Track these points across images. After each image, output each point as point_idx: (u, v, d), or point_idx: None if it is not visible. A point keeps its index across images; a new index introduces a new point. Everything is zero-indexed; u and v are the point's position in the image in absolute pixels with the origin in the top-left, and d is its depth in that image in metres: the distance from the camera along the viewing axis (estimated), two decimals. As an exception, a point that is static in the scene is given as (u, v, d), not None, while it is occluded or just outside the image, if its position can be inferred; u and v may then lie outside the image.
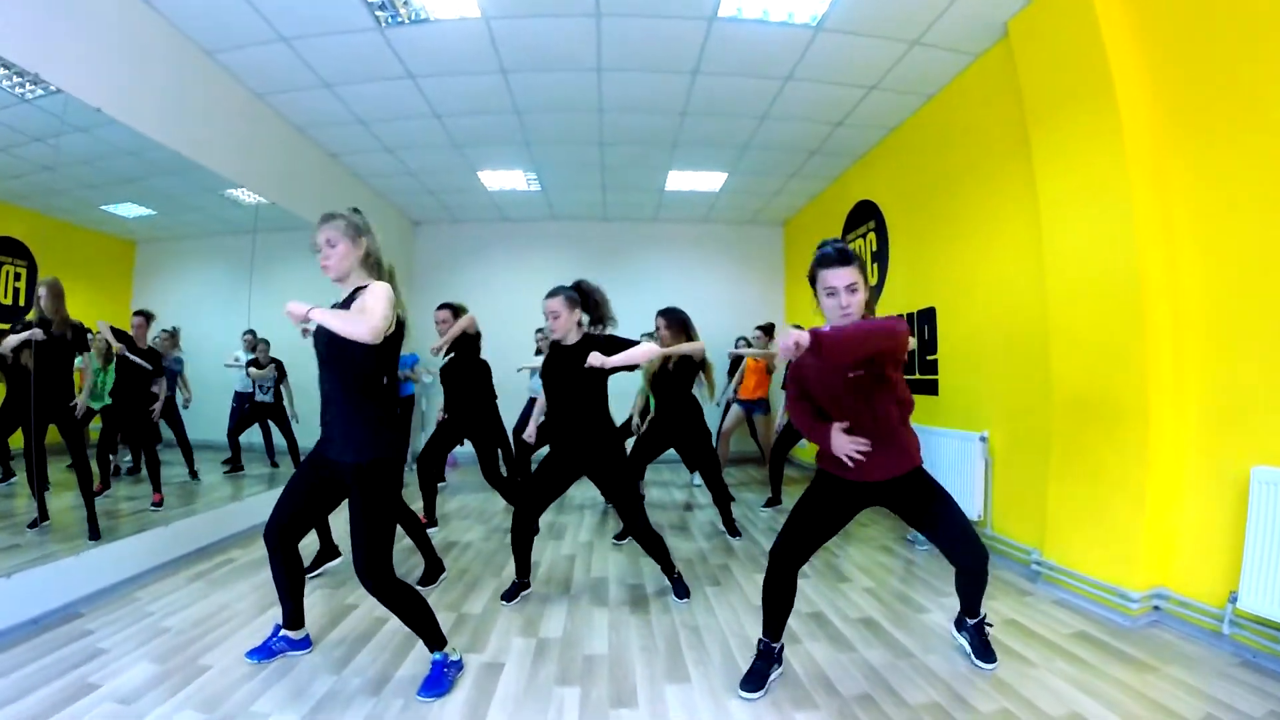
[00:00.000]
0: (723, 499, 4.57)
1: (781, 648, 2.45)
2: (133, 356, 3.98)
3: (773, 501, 5.42)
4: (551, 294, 3.15)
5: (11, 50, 2.85)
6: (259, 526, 4.52)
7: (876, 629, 2.90)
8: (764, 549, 4.17)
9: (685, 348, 4.00)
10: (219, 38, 3.99)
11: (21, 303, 3.42)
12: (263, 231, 4.88)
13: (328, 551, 3.67)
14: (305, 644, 2.60)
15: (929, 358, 4.81)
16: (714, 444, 4.98)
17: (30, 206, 3.54)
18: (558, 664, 2.56)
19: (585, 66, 4.31)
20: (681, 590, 3.31)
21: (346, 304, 2.28)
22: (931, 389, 4.77)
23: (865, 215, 5.91)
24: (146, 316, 4.06)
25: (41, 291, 3.31)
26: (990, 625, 2.65)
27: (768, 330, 6.23)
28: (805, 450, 7.08)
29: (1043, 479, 3.56)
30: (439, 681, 2.31)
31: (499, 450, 4.76)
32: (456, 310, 4.45)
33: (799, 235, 8.01)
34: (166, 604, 3.09)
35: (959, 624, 2.68)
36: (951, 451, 4.23)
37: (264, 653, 2.50)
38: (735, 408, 6.16)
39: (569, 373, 3.11)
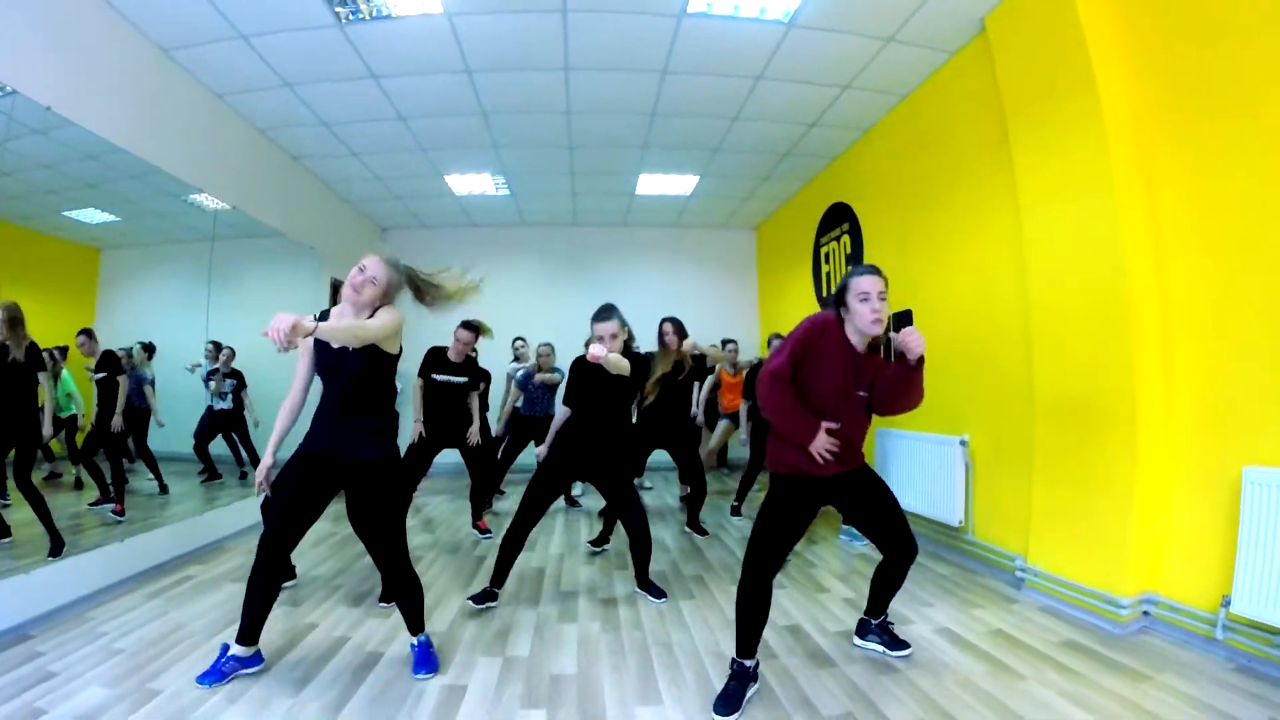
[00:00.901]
0: (699, 495, 4.70)
1: (757, 664, 2.35)
2: (90, 371, 3.95)
3: (736, 510, 5.39)
4: (608, 317, 3.17)
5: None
6: (220, 541, 4.42)
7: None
8: (739, 559, 4.04)
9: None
10: (176, 34, 3.82)
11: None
12: (227, 239, 4.72)
13: (287, 572, 3.52)
14: (257, 660, 2.50)
15: (906, 361, 4.72)
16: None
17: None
18: (524, 684, 2.41)
19: (552, 66, 4.19)
20: (657, 591, 3.38)
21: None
22: (909, 392, 4.69)
23: (839, 218, 5.85)
24: (89, 335, 3.96)
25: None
26: (892, 623, 2.74)
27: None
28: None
29: (1026, 483, 3.49)
30: (431, 658, 2.56)
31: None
32: (480, 329, 4.44)
33: (771, 239, 7.95)
34: (121, 624, 2.94)
35: (863, 630, 2.73)
36: (931, 456, 4.16)
37: (214, 676, 2.39)
38: (723, 421, 6.13)
39: (603, 386, 3.28)
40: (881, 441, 4.71)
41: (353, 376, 2.43)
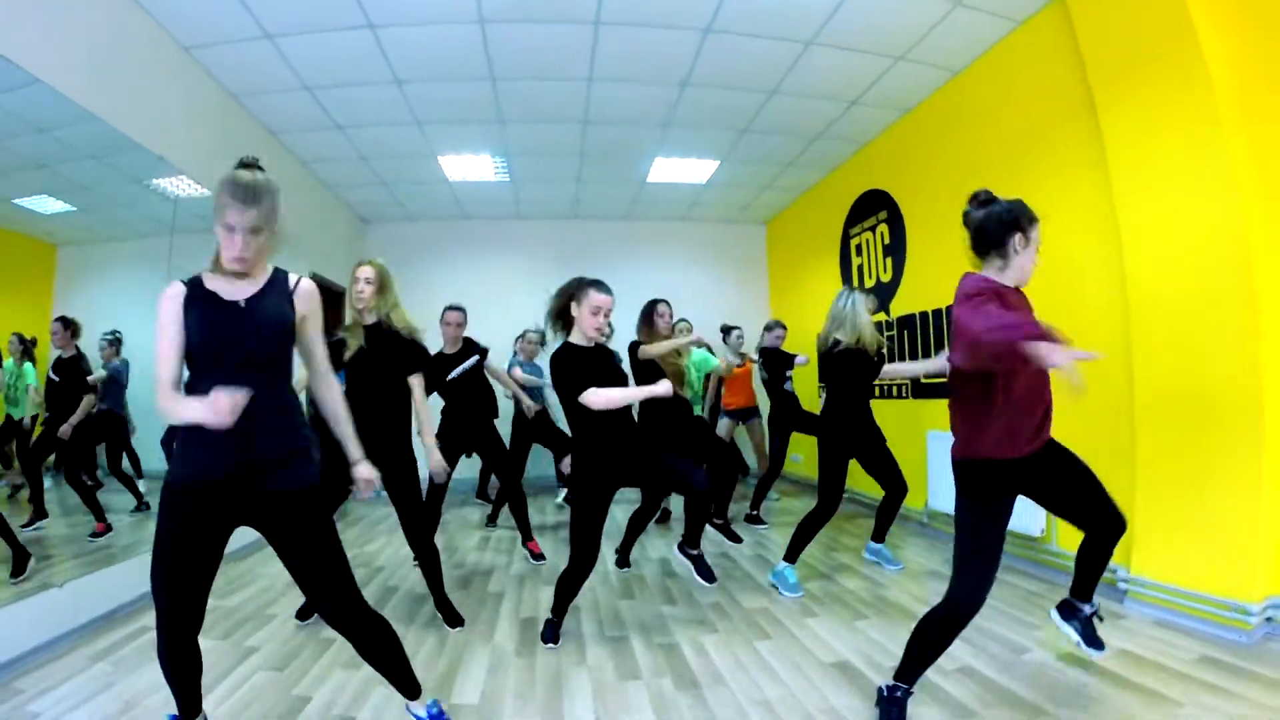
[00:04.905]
0: (729, 487, 4.33)
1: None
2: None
3: (754, 518, 5.10)
4: (609, 289, 2.81)
5: None
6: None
7: (985, 683, 2.32)
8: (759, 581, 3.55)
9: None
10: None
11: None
12: (191, 231, 4.09)
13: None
14: None
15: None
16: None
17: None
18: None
19: (581, 17, 3.66)
20: (704, 570, 3.00)
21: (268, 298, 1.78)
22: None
23: (874, 206, 5.45)
24: (65, 323, 3.44)
25: None
26: (1101, 619, 2.39)
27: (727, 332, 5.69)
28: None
29: (1126, 486, 3.10)
30: None
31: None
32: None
33: (785, 233, 7.55)
34: (56, 700, 2.23)
35: (1068, 612, 2.39)
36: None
37: None
38: (725, 419, 5.64)
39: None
40: (936, 445, 4.29)
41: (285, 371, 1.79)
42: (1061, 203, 3.55)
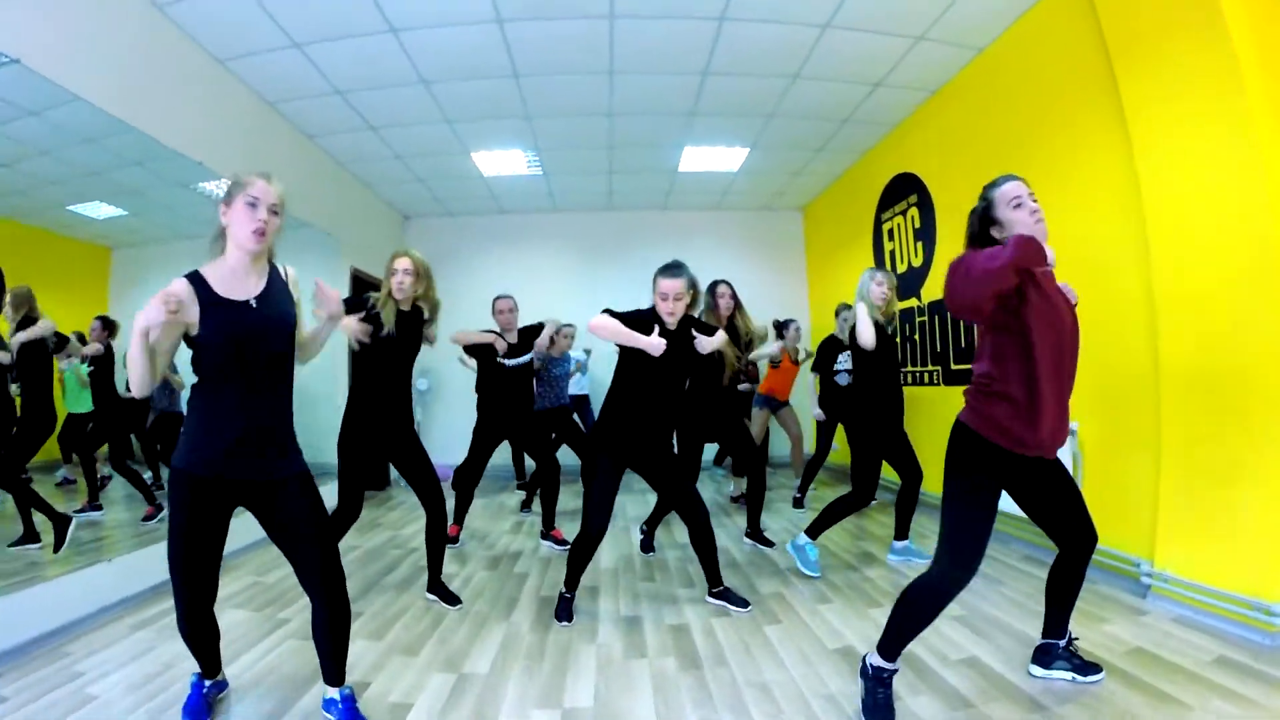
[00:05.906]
0: (759, 494, 4.03)
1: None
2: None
3: (798, 502, 5.18)
4: (676, 273, 2.79)
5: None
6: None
7: (988, 674, 2.30)
8: (778, 566, 3.56)
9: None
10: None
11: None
12: None
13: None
14: (225, 683, 2.23)
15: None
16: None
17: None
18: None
19: (596, 12, 3.72)
20: (738, 600, 3.04)
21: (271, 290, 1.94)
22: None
23: (904, 190, 5.35)
24: (105, 323, 3.68)
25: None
26: (1076, 638, 2.30)
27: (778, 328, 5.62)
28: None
29: (1151, 477, 3.02)
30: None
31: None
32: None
33: (821, 219, 7.45)
34: (100, 662, 2.47)
35: (1046, 657, 2.26)
36: (1030, 448, 3.65)
37: (198, 712, 2.02)
38: (758, 408, 5.62)
39: (680, 358, 2.88)
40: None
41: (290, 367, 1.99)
42: (1085, 182, 3.46)
